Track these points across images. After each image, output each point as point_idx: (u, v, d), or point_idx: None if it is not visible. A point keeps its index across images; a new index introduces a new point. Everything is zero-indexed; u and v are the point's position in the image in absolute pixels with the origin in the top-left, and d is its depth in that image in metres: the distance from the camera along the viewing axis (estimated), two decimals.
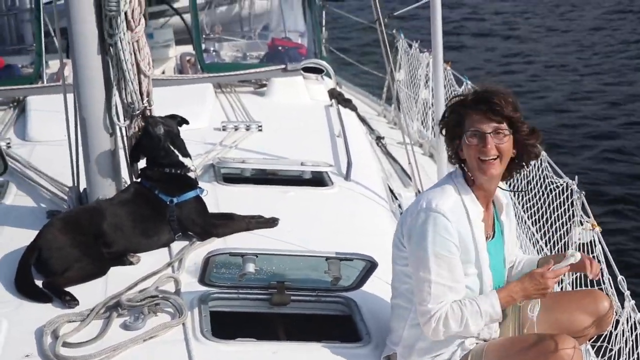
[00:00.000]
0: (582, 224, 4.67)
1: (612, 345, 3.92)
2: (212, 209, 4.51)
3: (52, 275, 3.90)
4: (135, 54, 4.26)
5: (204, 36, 8.17)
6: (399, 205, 5.68)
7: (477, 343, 3.27)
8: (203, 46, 7.79)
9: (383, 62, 6.80)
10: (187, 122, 4.50)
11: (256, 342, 3.52)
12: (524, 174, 5.32)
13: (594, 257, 4.12)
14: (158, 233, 4.26)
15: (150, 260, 4.13)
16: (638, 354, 3.87)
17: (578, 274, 4.29)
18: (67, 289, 3.78)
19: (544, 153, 4.99)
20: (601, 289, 3.81)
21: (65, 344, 3.36)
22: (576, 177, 5.00)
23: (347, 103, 7.23)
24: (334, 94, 7.26)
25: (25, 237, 4.21)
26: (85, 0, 4.16)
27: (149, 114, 4.45)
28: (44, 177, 5.13)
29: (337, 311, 3.80)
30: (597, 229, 4.53)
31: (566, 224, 5.05)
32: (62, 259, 3.94)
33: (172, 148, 4.33)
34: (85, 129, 4.37)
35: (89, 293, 3.78)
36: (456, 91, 7.55)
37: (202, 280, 3.65)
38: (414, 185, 6.02)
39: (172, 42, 8.58)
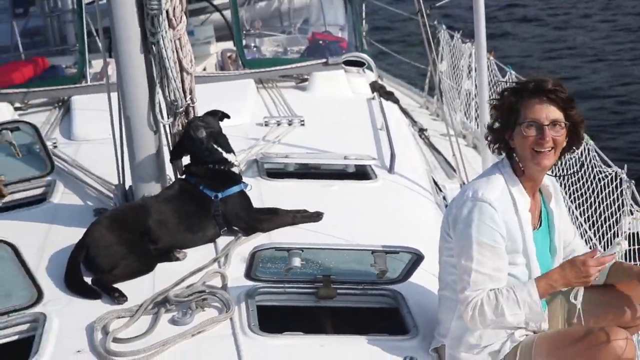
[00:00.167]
0: (632, 214, 4.62)
1: None
2: (256, 204, 4.53)
3: (101, 273, 3.95)
4: (177, 52, 4.30)
5: (244, 32, 8.18)
6: (444, 197, 5.66)
7: (526, 335, 3.26)
8: (244, 42, 7.81)
9: (425, 54, 6.76)
10: (228, 117, 4.52)
11: (303, 335, 3.53)
12: (571, 163, 5.27)
13: None
14: (203, 228, 4.30)
15: (197, 256, 4.16)
16: None
17: None
18: (116, 286, 3.84)
19: (591, 142, 4.95)
20: None
21: (116, 340, 3.41)
22: (625, 166, 4.94)
23: (389, 96, 7.21)
24: (375, 87, 7.25)
25: (73, 235, 4.27)
26: None
27: (192, 111, 4.49)
28: (90, 176, 5.20)
29: (384, 304, 3.80)
30: None
31: (615, 214, 4.99)
32: (109, 257, 3.99)
33: (215, 147, 4.36)
34: (129, 127, 4.42)
35: (137, 289, 3.83)
36: (499, 81, 7.50)
37: (249, 275, 3.67)
38: (458, 177, 6.00)
39: (212, 38, 8.62)
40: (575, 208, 5.68)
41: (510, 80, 7.33)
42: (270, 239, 4.24)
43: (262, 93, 7.11)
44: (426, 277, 3.80)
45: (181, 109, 4.43)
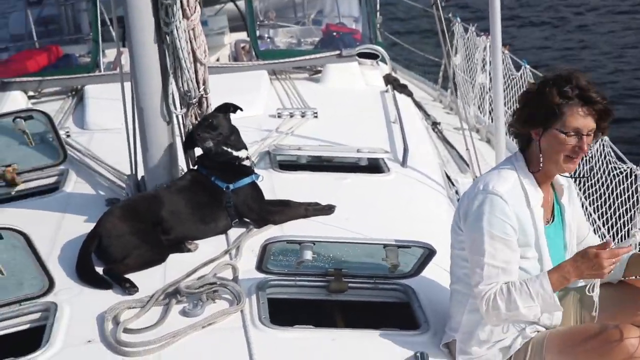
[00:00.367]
0: None
1: None
2: (268, 196, 4.53)
3: (112, 263, 3.96)
4: (191, 42, 4.30)
5: (258, 23, 8.19)
6: (456, 192, 5.63)
7: (537, 331, 3.24)
8: (257, 33, 7.82)
9: (439, 47, 6.74)
10: (240, 109, 4.50)
11: (314, 329, 3.53)
12: (586, 160, 5.24)
13: None
14: (215, 220, 4.30)
15: (208, 247, 4.17)
16: None
17: None
18: (127, 276, 3.84)
19: (606, 138, 4.92)
20: None
21: (126, 330, 3.41)
22: None
23: (402, 88, 7.21)
24: (389, 80, 7.24)
25: (85, 224, 4.31)
26: None
27: (205, 102, 4.49)
28: (102, 165, 5.22)
29: (395, 298, 3.79)
30: None
31: (630, 210, 4.97)
32: (121, 247, 4.00)
33: (225, 149, 4.35)
34: (142, 117, 4.42)
35: (148, 280, 3.83)
36: (514, 75, 7.47)
37: (260, 268, 3.67)
38: (471, 171, 5.99)
39: (226, 29, 8.62)
40: (590, 204, 5.66)
41: (524, 74, 7.31)
42: (282, 232, 4.25)
43: (275, 84, 7.11)
44: (438, 272, 3.80)
45: (194, 100, 4.43)
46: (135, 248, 4.00)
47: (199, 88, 4.41)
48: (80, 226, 4.33)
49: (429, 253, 3.56)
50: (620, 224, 5.14)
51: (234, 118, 4.51)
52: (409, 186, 5.14)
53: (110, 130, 5.74)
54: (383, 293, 3.80)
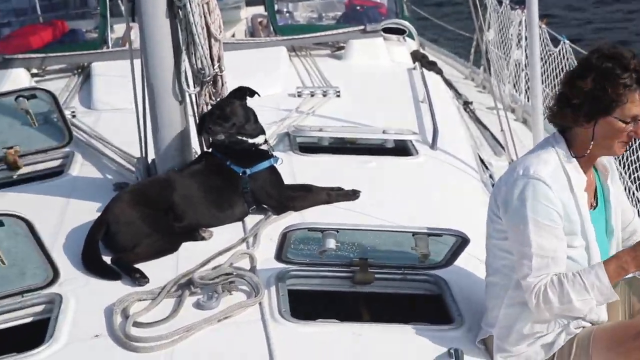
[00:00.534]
0: None
1: None
2: (288, 180, 4.51)
3: (121, 252, 3.94)
4: (205, 17, 4.28)
5: None
6: (490, 176, 5.63)
7: (583, 327, 3.19)
8: (276, 7, 7.80)
9: (470, 21, 6.68)
10: (257, 94, 4.45)
11: (337, 323, 3.50)
12: None
13: None
14: (231, 206, 4.28)
15: (224, 235, 4.14)
16: None
17: None
18: (137, 266, 3.82)
19: None
20: None
21: (136, 324, 3.39)
22: None
23: (431, 66, 7.19)
24: (417, 56, 7.22)
25: (91, 211, 4.29)
26: None
27: (220, 80, 4.46)
28: (110, 148, 5.21)
29: (426, 290, 3.76)
30: None
31: None
32: (131, 234, 3.98)
33: (240, 137, 4.31)
34: (153, 97, 4.40)
35: (160, 270, 3.81)
36: (552, 51, 7.41)
37: (279, 257, 3.64)
38: (506, 153, 5.93)
39: (242, 3, 8.63)
40: (632, 182, 5.62)
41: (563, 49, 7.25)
42: (303, 219, 4.21)
43: (294, 62, 7.10)
44: (472, 262, 3.76)
45: (208, 78, 4.41)
46: (145, 236, 3.99)
47: (213, 65, 4.38)
48: (86, 212, 4.31)
49: (462, 242, 3.52)
50: None
51: (251, 99, 4.47)
52: (439, 170, 5.11)
53: (118, 110, 5.74)
54: (412, 284, 3.77)
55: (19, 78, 6.62)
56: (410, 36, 7.70)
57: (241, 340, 3.38)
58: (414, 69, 6.93)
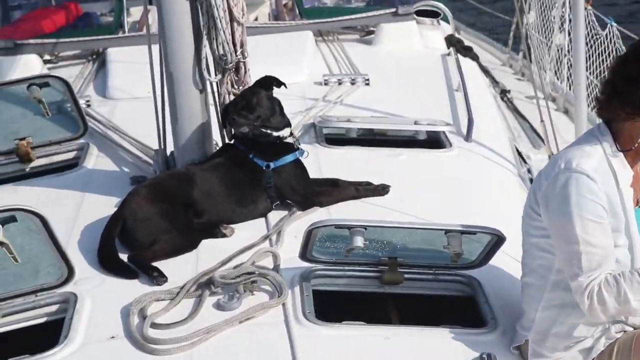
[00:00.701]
0: None
1: None
2: (313, 174, 4.54)
3: (138, 249, 3.99)
4: None
5: None
6: (528, 170, 5.60)
7: (624, 331, 3.20)
8: None
9: (510, 3, 6.66)
10: (284, 85, 4.46)
11: (365, 325, 3.52)
12: None
13: None
14: (254, 202, 4.31)
15: (246, 232, 4.18)
16: None
17: None
18: (155, 264, 3.86)
19: None
20: None
21: (154, 325, 3.43)
22: None
23: (467, 51, 7.17)
24: (452, 41, 7.20)
25: (107, 206, 4.34)
26: None
27: (242, 67, 4.48)
28: (127, 139, 5.25)
29: (458, 292, 3.78)
30: None
31: None
32: (148, 231, 4.02)
33: (264, 130, 4.34)
34: (172, 85, 4.43)
35: (179, 269, 3.85)
36: (599, 35, 7.36)
37: (304, 256, 3.67)
38: (546, 146, 5.92)
39: None
40: None
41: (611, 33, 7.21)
42: (329, 215, 4.25)
43: (321, 47, 7.10)
44: (507, 262, 3.77)
45: (231, 65, 4.43)
46: (163, 232, 4.03)
47: (235, 51, 4.41)
48: (102, 207, 4.36)
49: (497, 240, 3.53)
50: None
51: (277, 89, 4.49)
52: (474, 163, 5.12)
53: (135, 99, 5.78)
54: (444, 285, 3.79)
55: (30, 65, 6.68)
56: (445, 19, 7.68)
57: (263, 343, 3.41)
58: (449, 54, 6.93)
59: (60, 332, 3.47)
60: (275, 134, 4.35)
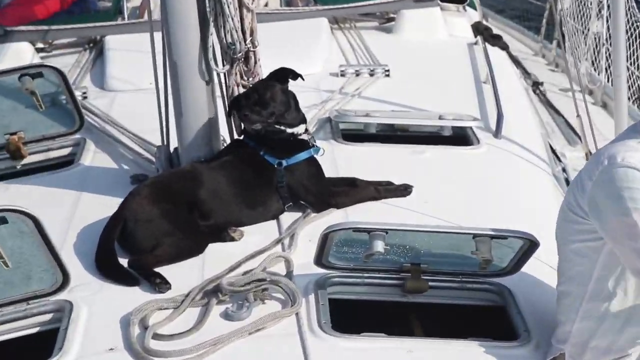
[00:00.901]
0: None
1: None
2: (329, 172, 4.54)
3: (139, 253, 3.99)
4: None
5: None
6: (563, 169, 5.60)
7: None
8: None
9: None
10: (301, 77, 4.45)
11: (386, 337, 3.52)
12: None
13: None
14: (265, 202, 4.32)
15: (256, 235, 4.18)
16: None
17: None
18: (157, 270, 3.87)
19: None
20: None
21: (156, 336, 3.43)
22: None
23: (495, 40, 7.18)
24: (479, 29, 7.20)
25: (105, 206, 4.33)
26: None
27: (252, 57, 4.48)
28: (126, 134, 5.27)
29: (487, 301, 3.77)
30: None
31: None
32: (150, 234, 4.03)
33: (278, 127, 4.34)
34: (176, 76, 4.43)
35: (183, 275, 3.85)
36: (639, 22, 7.35)
37: (319, 261, 3.67)
38: (583, 143, 5.89)
39: None
40: None
41: None
42: (347, 217, 4.25)
43: (337, 35, 7.11)
44: (541, 269, 3.77)
45: (240, 54, 4.43)
46: (166, 235, 4.03)
47: (245, 40, 4.40)
48: (100, 208, 4.37)
49: (530, 245, 3.52)
50: None
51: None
52: (504, 162, 5.11)
53: (136, 91, 5.80)
54: (472, 294, 3.78)
55: (22, 53, 6.70)
56: (472, 5, 7.70)
57: (275, 356, 3.41)
58: (476, 43, 6.92)
59: (54, 344, 3.46)
60: (289, 130, 4.36)
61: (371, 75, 6.21)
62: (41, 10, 7.49)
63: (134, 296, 3.72)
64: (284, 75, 4.40)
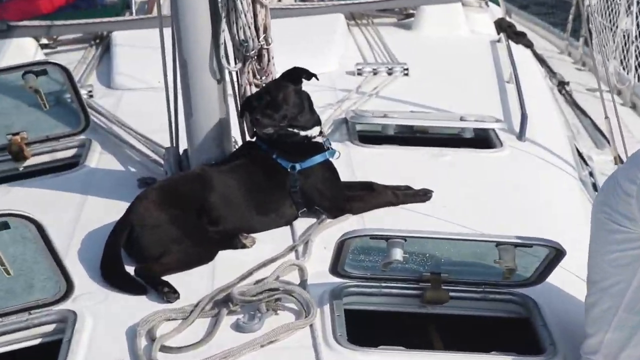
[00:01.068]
0: None
1: None
2: (345, 176, 4.53)
3: (147, 261, 3.98)
4: None
5: None
6: (590, 173, 5.59)
7: None
8: None
9: None
10: (315, 77, 4.44)
11: (405, 351, 3.50)
12: None
13: None
14: (277, 208, 4.31)
15: (268, 243, 4.18)
16: None
17: None
18: (165, 278, 3.86)
19: None
20: None
21: (164, 348, 3.43)
22: None
23: (519, 37, 7.18)
24: (502, 26, 7.20)
25: (111, 211, 4.34)
26: None
27: (266, 55, 4.47)
28: (134, 135, 5.27)
29: (511, 313, 3.76)
30: None
31: None
32: (158, 240, 4.02)
33: (291, 130, 4.33)
34: (186, 74, 4.43)
35: (192, 284, 3.85)
36: None
37: (335, 270, 3.66)
38: (611, 146, 5.87)
39: None
40: None
41: None
42: (363, 224, 4.24)
43: (354, 32, 7.12)
44: (568, 279, 3.76)
45: (253, 52, 4.42)
46: (175, 242, 4.02)
47: (258, 37, 4.39)
48: (105, 213, 4.37)
49: (557, 254, 3.51)
50: None
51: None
52: (528, 165, 5.10)
53: (144, 89, 5.80)
54: (494, 305, 3.77)
55: (25, 50, 6.72)
56: (495, 1, 7.66)
57: None
58: (499, 41, 6.93)
59: (57, 356, 3.46)
60: (303, 133, 4.35)
61: (389, 74, 6.21)
62: (45, 4, 7.51)
63: (141, 306, 3.71)
64: (297, 75, 4.38)
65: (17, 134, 5.11)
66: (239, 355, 3.38)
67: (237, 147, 4.63)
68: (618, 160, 5.43)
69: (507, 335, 3.70)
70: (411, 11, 7.40)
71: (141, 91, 5.86)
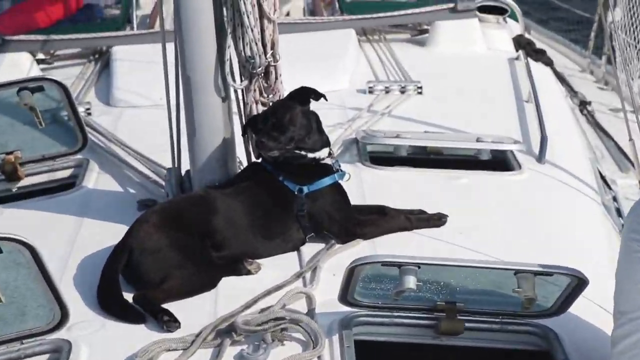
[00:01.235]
0: None
1: None
2: (355, 200, 4.52)
3: (146, 287, 3.97)
4: None
5: None
6: (614, 198, 5.59)
7: None
8: None
9: None
10: (324, 98, 4.43)
11: None
12: None
13: None
14: (284, 232, 4.30)
15: (274, 269, 4.16)
16: None
17: None
18: (165, 306, 3.84)
19: None
20: None
21: None
22: None
23: (539, 55, 7.20)
24: (521, 43, 7.22)
25: (109, 235, 4.33)
26: None
27: (273, 72, 4.47)
28: (134, 155, 5.28)
29: (530, 345, 3.73)
30: None
31: None
32: (158, 265, 4.01)
33: (298, 152, 4.33)
34: (189, 91, 4.43)
35: (194, 312, 3.84)
36: None
37: (344, 298, 3.64)
38: (636, 170, 5.86)
39: None
40: None
41: None
42: (375, 250, 4.24)
43: (365, 48, 7.13)
44: (591, 310, 3.74)
45: (259, 69, 4.42)
46: (176, 267, 4.01)
47: (265, 53, 4.40)
48: (103, 237, 4.37)
49: (579, 283, 3.48)
50: None
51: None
52: (548, 189, 5.10)
53: (145, 107, 5.80)
54: (513, 337, 3.74)
55: (21, 65, 6.76)
56: (513, 17, 7.68)
57: None
58: (517, 58, 6.94)
59: None
60: (310, 155, 4.34)
61: (402, 92, 6.22)
62: (43, 18, 7.54)
63: (140, 335, 3.69)
64: (305, 95, 4.37)
65: (11, 152, 5.10)
66: None
67: (242, 168, 4.63)
68: None
69: None
70: (425, 27, 7.41)
71: (142, 109, 5.88)
